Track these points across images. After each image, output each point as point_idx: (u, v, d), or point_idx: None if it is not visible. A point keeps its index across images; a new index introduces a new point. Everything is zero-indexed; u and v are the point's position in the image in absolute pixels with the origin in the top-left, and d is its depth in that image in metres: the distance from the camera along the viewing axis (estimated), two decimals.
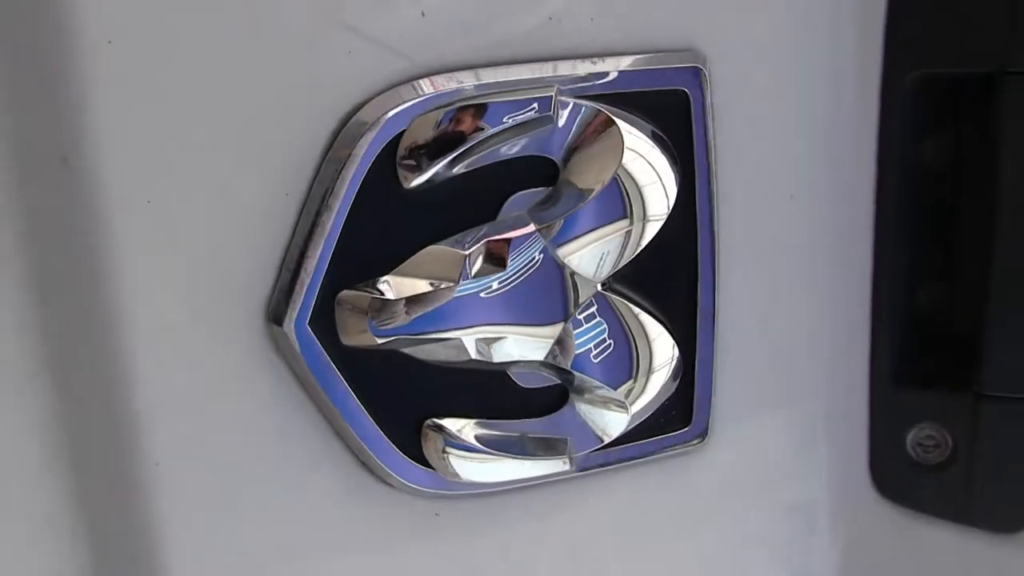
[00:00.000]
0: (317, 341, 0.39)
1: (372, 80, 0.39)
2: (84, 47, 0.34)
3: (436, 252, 0.40)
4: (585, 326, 0.45)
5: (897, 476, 0.53)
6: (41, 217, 0.37)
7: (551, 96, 0.40)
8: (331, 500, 0.43)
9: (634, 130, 0.42)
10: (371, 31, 0.38)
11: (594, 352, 0.45)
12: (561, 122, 0.41)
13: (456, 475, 0.43)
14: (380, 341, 0.40)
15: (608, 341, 0.45)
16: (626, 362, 0.46)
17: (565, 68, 0.41)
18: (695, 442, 0.49)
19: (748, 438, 0.51)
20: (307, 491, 0.42)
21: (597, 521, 0.48)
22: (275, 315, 0.39)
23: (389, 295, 0.40)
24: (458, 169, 0.40)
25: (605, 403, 0.45)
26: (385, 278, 0.40)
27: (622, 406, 0.45)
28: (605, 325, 0.45)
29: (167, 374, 0.38)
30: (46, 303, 0.37)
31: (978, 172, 0.49)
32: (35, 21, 0.35)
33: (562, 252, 0.43)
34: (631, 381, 0.46)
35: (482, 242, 0.41)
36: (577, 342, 0.44)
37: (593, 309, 0.44)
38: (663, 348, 0.46)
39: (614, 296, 0.45)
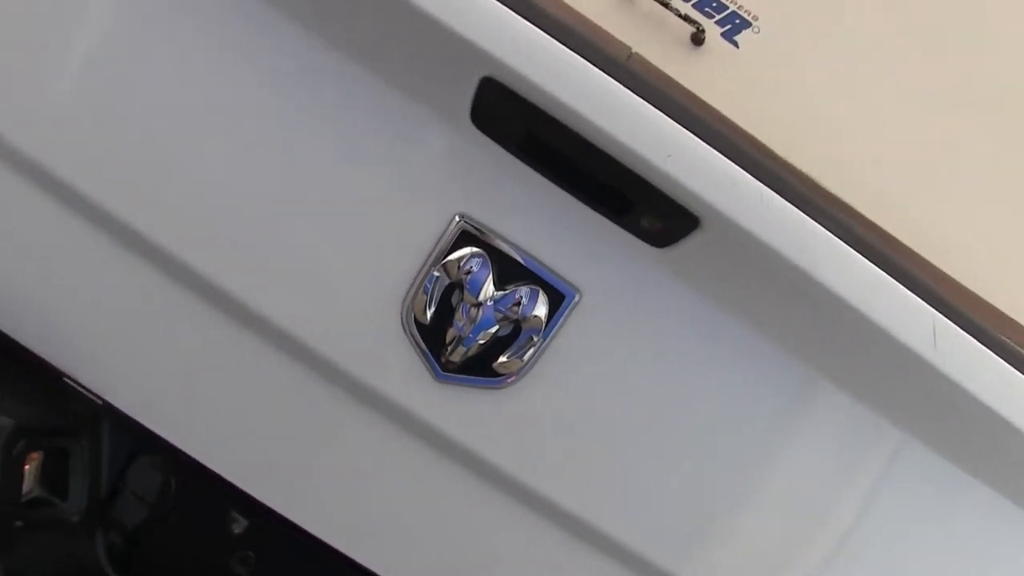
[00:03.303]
0: (446, 371, 1.33)
1: None
2: None
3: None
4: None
5: None
6: None
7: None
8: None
9: None
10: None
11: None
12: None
13: (497, 372, 1.34)
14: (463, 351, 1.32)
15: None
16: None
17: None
18: (576, 299, 1.34)
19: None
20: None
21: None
22: (433, 373, 1.33)
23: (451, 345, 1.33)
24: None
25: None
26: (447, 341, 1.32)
27: (526, 319, 1.33)
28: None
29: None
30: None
31: None
32: None
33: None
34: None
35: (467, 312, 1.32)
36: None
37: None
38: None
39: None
